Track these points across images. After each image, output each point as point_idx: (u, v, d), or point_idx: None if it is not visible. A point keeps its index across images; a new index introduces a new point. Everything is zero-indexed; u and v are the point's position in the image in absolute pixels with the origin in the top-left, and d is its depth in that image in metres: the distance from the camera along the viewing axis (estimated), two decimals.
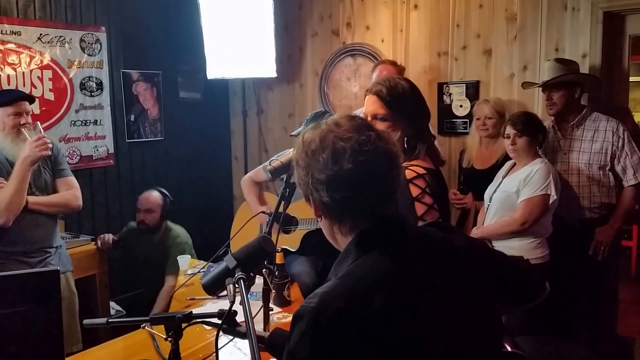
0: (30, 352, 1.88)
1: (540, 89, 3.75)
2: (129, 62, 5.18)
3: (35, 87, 4.47)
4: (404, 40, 4.84)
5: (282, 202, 2.54)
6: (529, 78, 4.16)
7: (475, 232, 3.52)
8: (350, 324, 1.16)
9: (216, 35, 5.16)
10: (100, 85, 4.92)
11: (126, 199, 5.00)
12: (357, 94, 5.08)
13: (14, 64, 4.32)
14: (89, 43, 4.80)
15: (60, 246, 3.49)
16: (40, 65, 4.49)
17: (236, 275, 1.48)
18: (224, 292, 1.50)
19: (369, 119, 2.14)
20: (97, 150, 4.95)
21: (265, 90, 5.85)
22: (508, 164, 3.54)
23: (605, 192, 3.59)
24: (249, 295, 1.43)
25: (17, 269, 2.61)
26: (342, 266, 1.32)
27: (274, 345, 1.62)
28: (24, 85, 4.37)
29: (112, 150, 5.06)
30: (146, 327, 1.85)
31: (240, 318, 1.47)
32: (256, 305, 2.36)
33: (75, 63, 4.73)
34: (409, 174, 2.09)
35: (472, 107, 4.32)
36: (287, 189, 2.52)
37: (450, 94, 4.62)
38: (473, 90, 4.50)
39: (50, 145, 3.19)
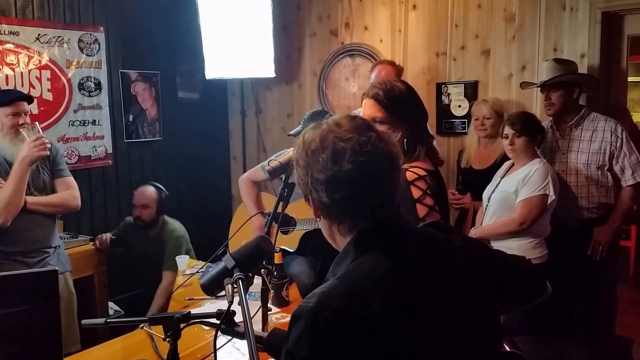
0: (28, 353, 1.88)
1: (539, 89, 3.75)
2: (127, 62, 5.18)
3: (34, 87, 4.47)
4: (403, 40, 4.84)
5: (281, 203, 2.54)
6: (528, 78, 4.16)
7: (473, 232, 3.52)
8: (349, 324, 1.16)
9: (215, 35, 5.16)
10: (98, 85, 4.92)
11: (125, 199, 5.00)
12: (355, 94, 5.08)
13: (12, 64, 4.32)
14: (87, 43, 4.80)
15: (59, 246, 3.49)
16: (38, 65, 4.49)
17: (234, 276, 1.48)
18: (223, 292, 1.50)
19: None
20: (96, 150, 4.95)
21: (263, 90, 5.85)
22: (506, 164, 3.55)
23: (604, 192, 3.59)
24: (247, 296, 1.43)
25: (15, 269, 2.60)
26: (341, 266, 1.32)
27: (272, 346, 1.62)
28: (22, 86, 4.37)
29: (110, 151, 5.06)
30: (145, 328, 1.85)
31: (238, 318, 1.47)
32: (255, 306, 2.35)
33: (74, 63, 4.73)
34: (409, 175, 2.09)
35: (470, 107, 4.31)
36: (286, 189, 2.52)
37: (448, 94, 4.63)
38: (471, 91, 4.51)
39: (49, 146, 3.19)
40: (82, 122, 4.83)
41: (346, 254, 1.33)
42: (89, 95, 4.86)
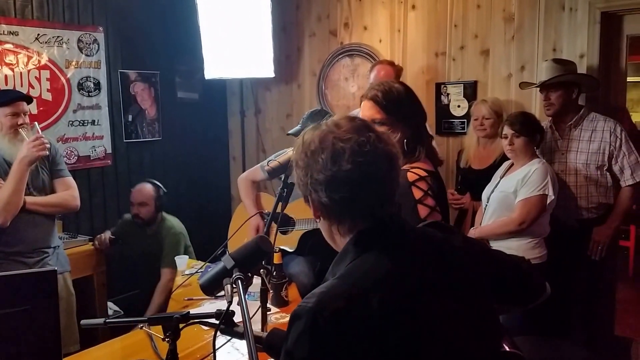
0: (27, 353, 1.88)
1: (538, 89, 3.75)
2: (126, 62, 5.18)
3: (33, 87, 4.46)
4: (402, 40, 4.84)
5: (280, 203, 2.54)
6: (527, 78, 4.17)
7: (472, 232, 3.52)
8: (349, 324, 1.16)
9: (214, 35, 5.16)
10: (97, 85, 4.92)
11: (124, 199, 4.99)
12: (355, 94, 5.08)
13: (11, 64, 4.32)
14: (86, 43, 4.80)
15: (58, 246, 3.49)
16: (37, 65, 4.48)
17: (234, 276, 1.48)
18: (222, 293, 1.50)
19: None
20: (95, 150, 4.94)
21: (263, 90, 5.85)
22: (506, 164, 3.55)
23: (603, 192, 3.59)
24: (246, 296, 1.43)
25: (14, 269, 2.59)
26: (340, 266, 1.32)
27: (271, 346, 1.62)
28: (21, 86, 4.37)
29: (109, 151, 5.06)
30: (144, 328, 1.85)
31: (237, 318, 1.47)
32: (254, 306, 2.35)
33: (73, 63, 4.73)
34: (410, 176, 2.09)
35: (469, 107, 4.31)
36: (285, 189, 2.52)
37: (448, 94, 4.63)
38: (471, 91, 4.51)
39: (48, 146, 3.18)
40: (82, 122, 4.83)
41: (345, 254, 1.33)
42: (88, 95, 4.85)
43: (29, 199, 3.19)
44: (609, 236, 3.58)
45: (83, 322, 1.81)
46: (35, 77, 4.48)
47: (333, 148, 1.31)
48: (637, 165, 3.51)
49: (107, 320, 1.77)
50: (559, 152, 3.66)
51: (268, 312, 2.54)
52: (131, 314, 4.20)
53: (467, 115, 4.38)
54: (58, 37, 4.60)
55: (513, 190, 3.33)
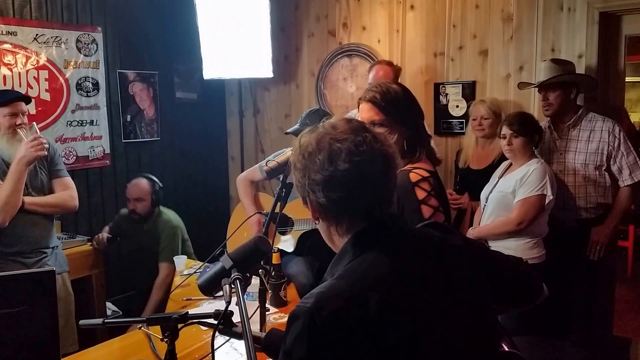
0: (26, 353, 1.88)
1: (537, 89, 3.75)
2: (125, 63, 5.17)
3: (32, 88, 4.46)
4: (400, 40, 4.84)
5: (279, 203, 2.54)
6: (525, 78, 4.17)
7: (471, 233, 3.53)
8: (347, 324, 1.16)
9: (212, 35, 5.15)
10: (96, 85, 4.92)
11: (122, 200, 4.98)
12: (353, 95, 5.08)
13: (10, 64, 4.31)
14: (85, 43, 4.79)
15: (57, 247, 3.49)
16: (36, 65, 4.48)
17: (232, 276, 1.48)
18: (220, 293, 1.50)
19: None
20: (94, 150, 4.94)
21: (261, 90, 5.84)
22: (504, 164, 3.55)
23: (601, 192, 3.59)
24: (245, 296, 1.43)
25: (13, 270, 2.60)
26: (339, 266, 1.32)
27: (270, 346, 1.62)
28: (20, 86, 4.36)
29: (108, 151, 5.05)
30: (142, 328, 1.85)
31: (236, 318, 1.47)
32: (252, 306, 2.36)
33: (72, 63, 4.72)
34: (413, 177, 2.09)
35: (468, 107, 4.31)
36: (284, 189, 2.52)
37: (446, 95, 4.63)
38: (469, 91, 4.51)
39: (47, 146, 3.18)
40: (80, 122, 4.82)
41: (344, 254, 1.34)
42: (87, 96, 4.85)
43: (28, 199, 3.19)
44: (608, 236, 3.58)
45: (82, 322, 1.81)
46: (34, 77, 4.48)
47: (330, 148, 1.32)
48: (635, 165, 3.52)
49: (105, 321, 1.77)
50: (558, 152, 3.67)
51: (267, 312, 2.54)
52: (130, 314, 4.20)
53: (466, 116, 4.39)
54: (56, 37, 4.59)
55: (511, 190, 3.33)
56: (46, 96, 4.57)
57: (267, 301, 2.63)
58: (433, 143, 2.68)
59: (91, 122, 4.90)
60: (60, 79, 4.65)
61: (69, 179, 3.45)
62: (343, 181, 1.30)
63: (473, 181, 3.88)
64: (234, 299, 1.42)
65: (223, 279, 1.49)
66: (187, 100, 5.77)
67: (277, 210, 2.55)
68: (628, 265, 6.16)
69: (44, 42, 4.52)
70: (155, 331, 1.73)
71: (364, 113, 2.19)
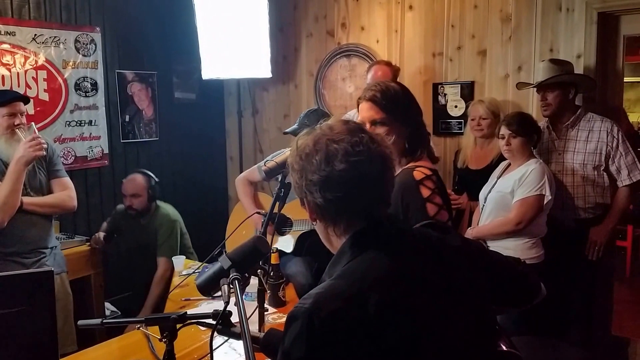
0: (24, 353, 1.88)
1: (535, 89, 3.76)
2: (123, 63, 5.17)
3: (30, 88, 4.46)
4: (399, 40, 4.84)
5: (277, 203, 2.54)
6: (524, 78, 4.17)
7: (470, 233, 3.53)
8: (346, 325, 1.16)
9: (211, 35, 5.16)
10: (95, 85, 4.92)
11: (121, 200, 4.98)
12: (352, 95, 5.08)
13: (8, 64, 4.31)
14: (83, 43, 4.79)
15: (55, 247, 3.49)
16: (34, 65, 4.48)
17: (231, 276, 1.48)
18: (219, 293, 1.50)
19: (367, 126, 2.14)
20: (92, 150, 4.94)
21: (260, 90, 5.85)
22: (503, 164, 3.55)
23: (600, 192, 3.59)
24: (244, 296, 1.43)
25: (12, 270, 2.59)
26: (337, 267, 1.32)
27: (268, 346, 1.62)
28: (18, 86, 4.36)
29: (106, 151, 5.05)
30: (141, 328, 1.85)
31: (235, 319, 1.47)
32: (251, 306, 2.36)
33: (70, 63, 4.72)
34: (417, 175, 2.10)
35: (466, 107, 4.32)
36: (282, 190, 2.52)
37: (445, 95, 4.63)
38: (468, 91, 4.51)
39: (45, 146, 3.18)
40: (79, 122, 4.82)
41: (342, 254, 1.34)
42: (86, 96, 4.85)
43: (26, 199, 3.19)
44: (606, 236, 3.58)
45: (80, 322, 1.81)
46: (32, 77, 4.48)
47: (326, 149, 1.32)
48: (633, 166, 3.52)
49: (104, 321, 1.77)
50: (556, 152, 3.67)
51: (265, 313, 2.54)
52: (128, 315, 4.20)
53: (464, 116, 4.39)
54: (55, 37, 4.59)
55: (510, 190, 3.33)
56: (45, 96, 4.57)
57: (266, 301, 2.63)
58: (432, 143, 2.67)
59: (90, 122, 4.90)
60: (59, 79, 4.65)
61: (67, 179, 3.45)
62: (340, 181, 1.30)
63: (472, 181, 3.88)
64: (233, 299, 1.42)
65: (222, 279, 1.49)
66: (186, 101, 5.77)
67: (275, 210, 2.55)
68: (626, 265, 6.16)
69: (43, 42, 4.51)
70: (154, 331, 1.73)
71: (364, 112, 2.19)
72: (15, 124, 3.18)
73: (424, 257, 1.35)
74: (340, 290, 1.22)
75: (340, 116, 4.35)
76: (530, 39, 4.20)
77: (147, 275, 4.25)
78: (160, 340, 1.66)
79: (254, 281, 2.40)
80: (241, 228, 2.94)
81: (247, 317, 1.37)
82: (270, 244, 2.07)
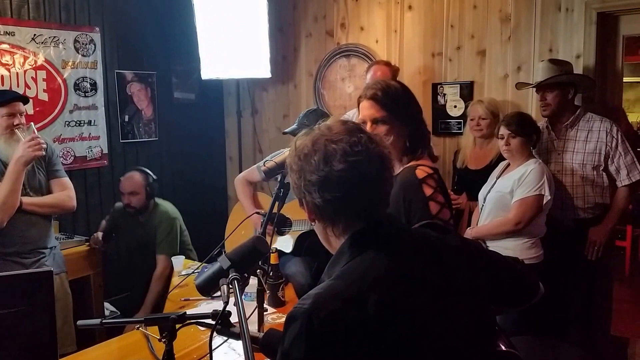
0: (24, 353, 1.88)
1: (534, 89, 3.76)
2: (123, 63, 5.17)
3: (29, 88, 4.46)
4: (398, 40, 4.84)
5: (277, 203, 2.54)
6: (523, 79, 4.17)
7: (469, 233, 3.53)
8: (345, 325, 1.16)
9: (211, 35, 5.16)
10: (94, 85, 4.91)
11: (120, 200, 4.99)
12: (351, 95, 5.09)
13: (7, 64, 4.31)
14: (83, 43, 4.79)
15: (55, 247, 3.49)
16: (34, 65, 4.48)
17: (230, 276, 1.48)
18: (218, 293, 1.50)
19: (368, 124, 2.14)
20: (91, 150, 4.94)
21: (259, 90, 5.85)
22: (502, 164, 3.55)
23: (599, 192, 3.59)
24: (243, 296, 1.43)
25: (11, 270, 2.59)
26: (336, 267, 1.32)
27: (268, 346, 1.62)
28: (17, 86, 4.36)
29: (106, 151, 5.05)
30: (140, 328, 1.85)
31: (234, 319, 1.47)
32: (250, 306, 2.36)
33: (69, 63, 4.72)
34: (419, 173, 2.10)
35: (466, 107, 4.32)
36: (282, 190, 2.52)
37: (444, 95, 4.63)
38: (467, 91, 4.51)
39: (44, 146, 3.18)
40: (78, 122, 4.82)
41: (341, 255, 1.34)
42: (85, 96, 4.85)
43: (26, 199, 3.19)
44: (605, 236, 3.58)
45: (79, 322, 1.81)
46: (32, 77, 4.48)
47: (325, 149, 1.32)
48: (633, 166, 3.52)
49: (103, 321, 1.77)
50: (555, 153, 3.67)
51: (265, 313, 2.54)
52: (128, 315, 4.19)
53: (464, 116, 4.39)
54: (54, 37, 4.59)
55: (509, 190, 3.33)
56: (44, 96, 4.56)
57: (265, 301, 2.63)
58: (431, 143, 2.68)
59: (89, 123, 4.90)
60: (58, 79, 4.65)
61: (67, 179, 3.45)
62: (339, 182, 1.30)
63: (471, 181, 3.88)
64: (232, 299, 1.42)
65: (221, 279, 1.49)
66: (185, 101, 5.77)
67: (275, 210, 2.55)
68: (626, 265, 6.16)
69: (42, 42, 4.51)
70: (153, 331, 1.73)
71: (365, 110, 2.19)
72: (15, 124, 3.18)
73: (423, 257, 1.35)
74: (339, 291, 1.22)
75: (340, 116, 4.36)
76: (529, 39, 4.20)
77: (147, 273, 4.24)
78: (160, 340, 1.66)
79: (253, 281, 2.40)
80: (240, 228, 2.95)
81: (247, 317, 1.37)
82: (269, 244, 2.07)
